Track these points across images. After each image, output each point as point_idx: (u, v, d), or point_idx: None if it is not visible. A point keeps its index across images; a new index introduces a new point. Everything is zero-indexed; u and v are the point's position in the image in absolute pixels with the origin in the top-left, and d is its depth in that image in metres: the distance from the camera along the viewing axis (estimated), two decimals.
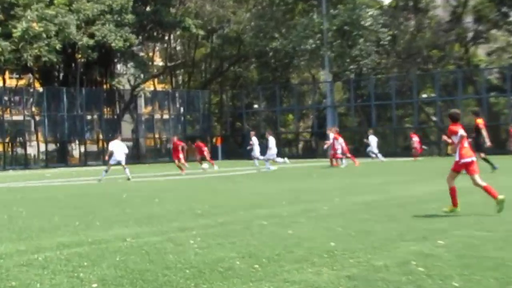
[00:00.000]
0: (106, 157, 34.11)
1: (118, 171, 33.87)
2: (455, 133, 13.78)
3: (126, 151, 33.48)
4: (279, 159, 40.87)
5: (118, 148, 32.77)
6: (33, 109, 60.60)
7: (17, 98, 61.25)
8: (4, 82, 60.02)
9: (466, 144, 13.83)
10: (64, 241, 11.48)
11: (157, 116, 68.75)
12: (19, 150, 61.01)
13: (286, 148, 67.71)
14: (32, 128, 62.23)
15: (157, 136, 67.70)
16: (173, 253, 9.85)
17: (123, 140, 61.83)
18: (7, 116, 58.53)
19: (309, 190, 21.42)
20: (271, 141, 39.29)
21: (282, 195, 19.73)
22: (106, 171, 32.31)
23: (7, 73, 61.20)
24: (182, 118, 68.03)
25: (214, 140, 68.29)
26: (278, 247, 10.07)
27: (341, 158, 39.77)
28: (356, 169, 36.13)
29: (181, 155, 37.91)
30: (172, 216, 14.82)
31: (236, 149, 65.58)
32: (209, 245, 10.56)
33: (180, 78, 77.68)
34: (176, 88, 71.96)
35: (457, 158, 13.76)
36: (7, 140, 59.00)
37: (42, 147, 59.37)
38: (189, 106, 67.62)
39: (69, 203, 19.35)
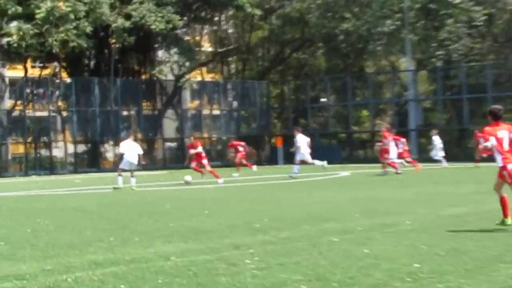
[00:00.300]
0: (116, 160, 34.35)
1: (158, 177, 34.06)
2: (487, 137, 13.96)
3: (141, 152, 33.54)
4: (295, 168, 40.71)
5: (130, 149, 32.84)
6: (60, 103, 61.25)
7: (41, 90, 61.72)
8: (26, 71, 60.27)
9: (507, 146, 13.83)
10: (97, 259, 11.63)
11: (206, 111, 68.65)
12: (44, 152, 61.24)
13: (360, 150, 67.42)
14: (59, 126, 62.59)
15: (205, 135, 67.68)
16: (226, 275, 9.92)
17: (165, 140, 62.27)
18: (29, 112, 59.26)
19: (386, 200, 21.36)
20: (301, 140, 39.07)
21: (354, 205, 19.71)
22: (120, 175, 32.37)
23: (29, 61, 61.44)
24: (235, 114, 68.23)
25: (273, 140, 68.23)
26: (352, 269, 10.08)
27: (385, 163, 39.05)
28: (443, 175, 35.84)
29: (204, 161, 37.34)
30: (225, 231, 14.90)
31: None
32: (268, 265, 10.61)
33: (232, 66, 77.82)
34: (228, 79, 72.21)
35: (501, 164, 13.88)
36: (29, 140, 59.59)
37: (70, 149, 59.95)
38: (244, 99, 67.77)
39: (102, 215, 19.59)
